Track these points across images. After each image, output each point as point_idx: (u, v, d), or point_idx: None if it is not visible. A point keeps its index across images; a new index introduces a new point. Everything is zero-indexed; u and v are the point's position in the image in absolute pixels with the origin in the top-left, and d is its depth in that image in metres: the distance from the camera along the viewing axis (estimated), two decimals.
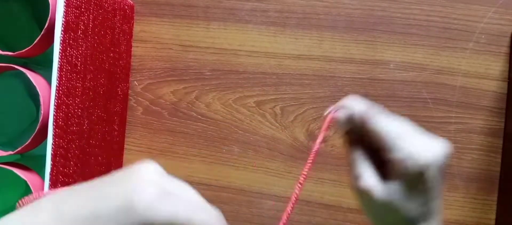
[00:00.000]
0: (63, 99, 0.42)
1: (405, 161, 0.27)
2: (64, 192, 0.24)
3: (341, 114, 0.30)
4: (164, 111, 0.55)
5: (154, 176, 0.24)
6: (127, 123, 0.56)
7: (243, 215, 0.54)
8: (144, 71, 0.55)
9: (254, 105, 0.54)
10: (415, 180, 0.27)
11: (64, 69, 0.41)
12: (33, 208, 0.23)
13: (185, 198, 0.24)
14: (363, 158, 0.29)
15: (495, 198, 0.50)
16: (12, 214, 0.23)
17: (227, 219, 0.28)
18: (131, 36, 0.55)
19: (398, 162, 0.27)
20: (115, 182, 0.24)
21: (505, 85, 0.50)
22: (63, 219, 0.22)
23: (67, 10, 0.41)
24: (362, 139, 0.30)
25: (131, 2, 0.54)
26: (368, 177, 0.28)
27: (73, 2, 0.42)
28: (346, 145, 0.31)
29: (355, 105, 0.29)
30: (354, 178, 0.29)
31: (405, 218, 0.28)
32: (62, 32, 0.41)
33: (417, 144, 0.27)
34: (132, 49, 0.55)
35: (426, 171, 0.27)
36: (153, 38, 0.55)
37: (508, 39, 0.49)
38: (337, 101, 0.52)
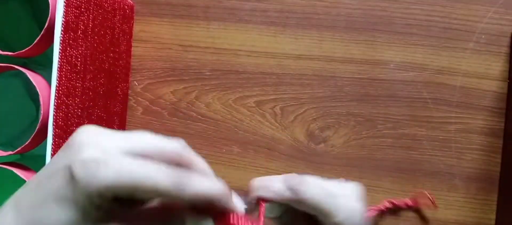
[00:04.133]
0: (63, 99, 0.42)
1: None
2: (22, 188, 0.23)
3: (271, 195, 0.27)
4: (164, 111, 0.55)
5: (93, 137, 0.21)
6: (127, 123, 0.56)
7: None
8: (144, 71, 0.55)
9: (254, 105, 0.54)
10: None
11: (64, 69, 0.41)
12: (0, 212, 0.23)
13: (137, 149, 0.22)
14: None
15: (495, 198, 0.50)
16: None
17: None
18: (131, 36, 0.55)
19: None
20: (55, 159, 0.22)
21: (505, 85, 0.50)
22: (21, 215, 0.22)
23: (67, 10, 0.41)
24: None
25: (131, 2, 0.54)
26: None
27: (73, 2, 0.42)
28: None
29: (274, 183, 0.27)
30: None
31: None
32: (62, 32, 0.41)
33: (346, 203, 0.27)
34: (132, 49, 0.55)
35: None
36: (153, 38, 0.55)
37: (508, 39, 0.49)
38: (337, 101, 0.52)
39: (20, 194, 0.23)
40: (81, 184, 0.20)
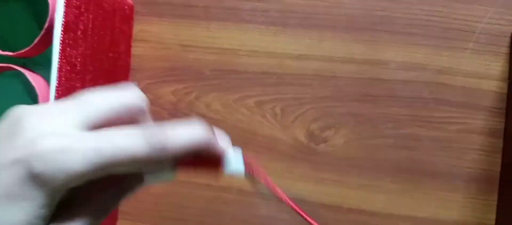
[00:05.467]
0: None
1: None
2: None
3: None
4: (164, 111, 0.55)
5: (39, 120, 0.18)
6: None
7: (243, 216, 0.54)
8: (144, 71, 0.55)
9: (254, 105, 0.53)
10: None
11: (63, 70, 0.41)
12: None
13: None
14: None
15: (495, 198, 0.50)
16: None
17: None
18: (131, 36, 0.55)
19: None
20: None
21: (505, 85, 0.50)
22: None
23: (67, 10, 0.41)
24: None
25: (131, 2, 0.54)
26: None
27: (73, 2, 0.42)
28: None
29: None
30: None
31: None
32: (61, 32, 0.40)
33: None
34: (132, 49, 0.55)
35: None
36: (153, 38, 0.55)
37: (508, 39, 0.49)
38: (337, 101, 0.52)
39: None
40: (46, 180, 0.17)
